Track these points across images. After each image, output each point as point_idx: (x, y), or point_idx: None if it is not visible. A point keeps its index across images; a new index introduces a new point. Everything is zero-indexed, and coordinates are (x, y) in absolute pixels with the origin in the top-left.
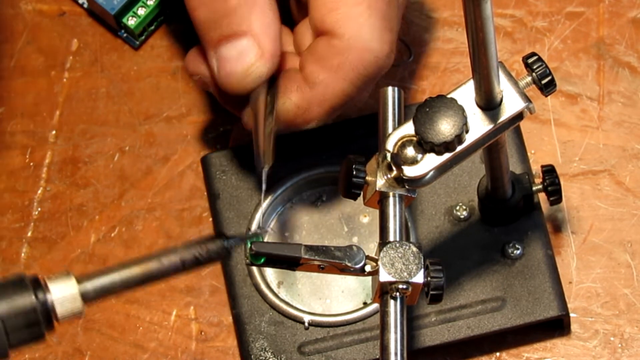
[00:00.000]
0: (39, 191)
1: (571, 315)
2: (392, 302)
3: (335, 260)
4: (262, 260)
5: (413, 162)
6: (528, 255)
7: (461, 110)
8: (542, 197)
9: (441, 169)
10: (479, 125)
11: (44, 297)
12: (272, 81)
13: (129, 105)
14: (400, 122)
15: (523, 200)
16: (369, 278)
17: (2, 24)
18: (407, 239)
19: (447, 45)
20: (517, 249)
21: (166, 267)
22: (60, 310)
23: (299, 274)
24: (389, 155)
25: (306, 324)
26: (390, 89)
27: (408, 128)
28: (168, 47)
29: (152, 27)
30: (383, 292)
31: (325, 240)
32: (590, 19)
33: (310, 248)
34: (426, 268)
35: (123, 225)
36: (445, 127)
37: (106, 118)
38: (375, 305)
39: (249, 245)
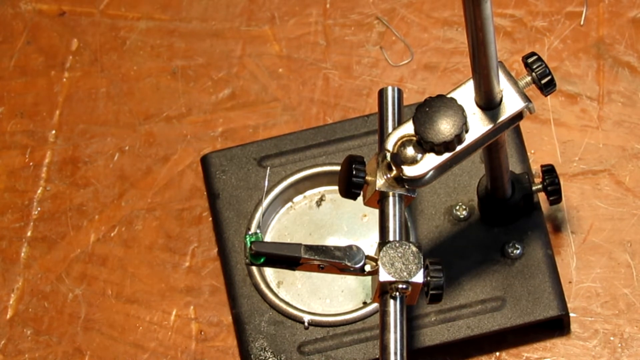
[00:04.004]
0: (39, 191)
1: (571, 315)
2: (391, 301)
3: (335, 260)
4: (262, 260)
5: (413, 161)
6: (528, 255)
7: (461, 110)
8: (542, 197)
9: (441, 169)
10: (478, 125)
11: None
12: None
13: (129, 105)
14: (400, 122)
15: (523, 200)
16: (369, 278)
17: (2, 24)
18: (407, 239)
19: (447, 45)
20: (517, 248)
21: None
22: None
23: (298, 273)
24: (388, 155)
25: (306, 324)
26: (390, 88)
27: (408, 128)
28: (168, 47)
29: None
30: (383, 291)
31: (325, 240)
32: (590, 19)
33: (310, 248)
34: (426, 268)
35: (123, 225)
36: (445, 127)
37: (106, 118)
38: (375, 305)
39: (248, 245)
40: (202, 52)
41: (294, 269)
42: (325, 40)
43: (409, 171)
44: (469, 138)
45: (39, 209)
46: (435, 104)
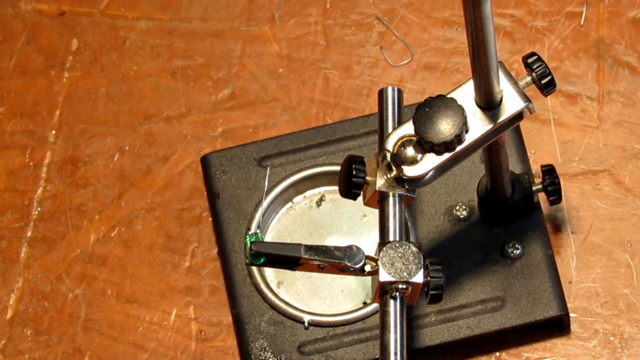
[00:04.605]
0: (39, 191)
1: (571, 315)
2: (391, 302)
3: (335, 260)
4: (262, 260)
5: (413, 162)
6: (528, 255)
7: (461, 110)
8: (542, 197)
9: (441, 169)
10: (478, 125)
11: None
12: None
13: (129, 105)
14: (400, 122)
15: (523, 200)
16: (369, 278)
17: (2, 24)
18: (407, 239)
19: (447, 45)
20: (517, 248)
21: None
22: None
23: (298, 273)
24: (388, 155)
25: (306, 324)
26: (390, 88)
27: (408, 128)
28: (168, 47)
29: None
30: (383, 292)
31: (325, 240)
32: (590, 19)
33: (310, 248)
34: (426, 268)
35: (123, 225)
36: (445, 127)
37: (106, 118)
38: (375, 305)
39: (248, 245)
40: (202, 52)
41: (294, 269)
42: (325, 40)
43: (409, 171)
44: (469, 138)
45: (39, 209)
46: (435, 104)
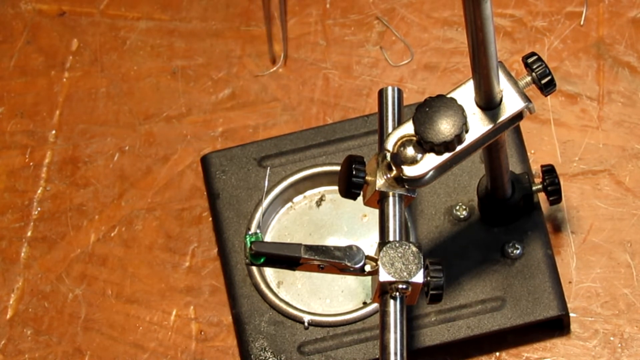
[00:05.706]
0: (39, 191)
1: (571, 315)
2: (391, 302)
3: (335, 260)
4: (262, 260)
5: (413, 161)
6: (528, 255)
7: (461, 110)
8: (542, 197)
9: (441, 169)
10: (478, 125)
11: None
12: None
13: (129, 105)
14: (400, 122)
15: (523, 200)
16: (369, 278)
17: (2, 24)
18: (407, 239)
19: (447, 45)
20: (517, 248)
21: None
22: None
23: (298, 273)
24: (388, 155)
25: (306, 324)
26: (390, 88)
27: (408, 128)
28: (168, 47)
29: None
30: (383, 291)
31: (325, 240)
32: (590, 19)
33: (310, 248)
34: (426, 268)
35: (123, 225)
36: (445, 127)
37: (106, 118)
38: (375, 305)
39: (248, 245)
40: (202, 52)
41: (294, 269)
42: (325, 40)
43: (409, 171)
44: (469, 138)
45: (39, 209)
46: (435, 104)
